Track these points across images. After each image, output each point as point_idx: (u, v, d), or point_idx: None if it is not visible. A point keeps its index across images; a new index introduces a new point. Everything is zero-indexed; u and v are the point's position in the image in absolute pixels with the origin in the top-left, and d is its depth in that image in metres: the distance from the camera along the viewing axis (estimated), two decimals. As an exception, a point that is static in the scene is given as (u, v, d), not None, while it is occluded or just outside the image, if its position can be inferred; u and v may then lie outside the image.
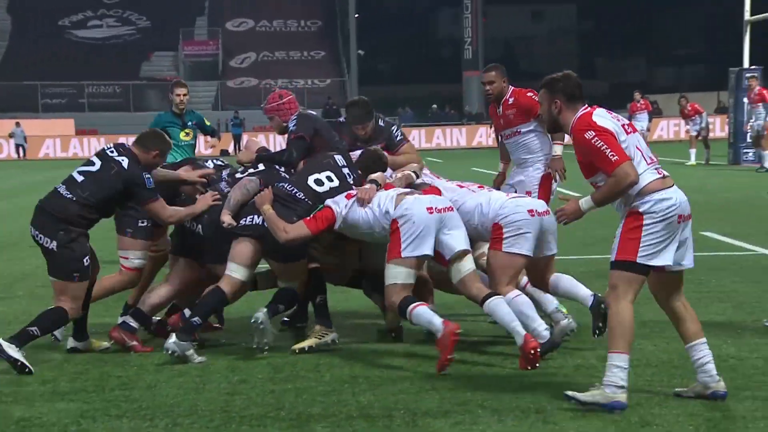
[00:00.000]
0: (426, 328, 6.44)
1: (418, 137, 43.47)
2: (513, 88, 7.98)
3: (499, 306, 6.19)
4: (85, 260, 6.44)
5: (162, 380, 6.06)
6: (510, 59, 64.99)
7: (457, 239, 6.36)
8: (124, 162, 6.54)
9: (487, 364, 6.29)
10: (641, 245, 5.18)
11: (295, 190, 6.75)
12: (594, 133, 5.25)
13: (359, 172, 6.87)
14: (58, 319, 6.50)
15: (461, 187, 6.91)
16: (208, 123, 10.70)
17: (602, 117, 5.35)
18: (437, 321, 6.10)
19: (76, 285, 6.44)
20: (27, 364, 6.25)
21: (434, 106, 49.66)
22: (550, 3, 68.27)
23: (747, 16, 24.67)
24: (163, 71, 56.63)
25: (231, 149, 43.70)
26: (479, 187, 6.94)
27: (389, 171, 7.02)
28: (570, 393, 5.28)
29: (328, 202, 6.66)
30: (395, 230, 6.31)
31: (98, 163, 6.57)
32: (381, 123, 7.49)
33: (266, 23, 62.13)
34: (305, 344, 6.73)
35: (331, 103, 48.87)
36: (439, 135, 45.10)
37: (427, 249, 6.29)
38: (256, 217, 6.65)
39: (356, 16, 54.14)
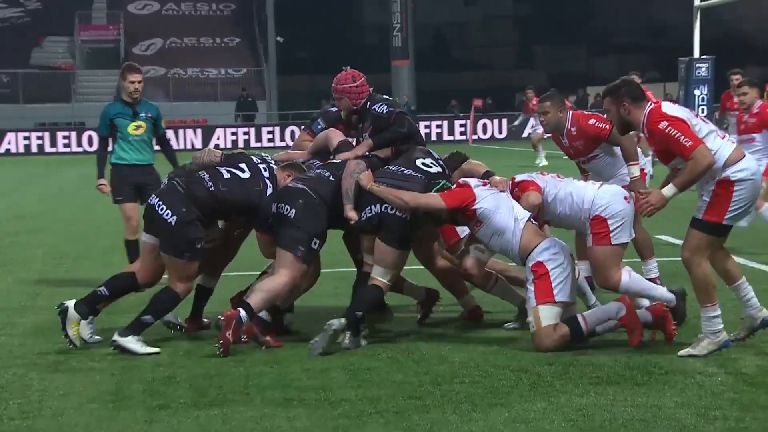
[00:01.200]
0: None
1: (342, 132, 43.35)
2: (572, 113, 8.55)
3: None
4: (198, 243, 7.10)
5: (70, 407, 5.90)
6: (442, 47, 65.42)
7: None
8: (269, 189, 7.31)
9: (435, 383, 6.26)
10: (730, 208, 6.42)
11: (403, 168, 7.39)
12: (667, 123, 6.37)
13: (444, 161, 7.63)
14: (169, 300, 7.21)
15: (543, 174, 7.67)
16: (162, 124, 10.23)
17: (671, 107, 6.49)
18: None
19: (184, 264, 7.10)
20: (151, 350, 7.05)
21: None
22: (483, -15, 68.82)
23: (697, 1, 25.10)
24: (56, 58, 55.52)
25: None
26: (557, 175, 7.69)
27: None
28: (683, 352, 6.58)
29: (466, 180, 7.32)
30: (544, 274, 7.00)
31: (248, 173, 7.32)
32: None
33: (173, 6, 61.34)
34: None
35: (245, 95, 48.52)
36: (367, 128, 45.20)
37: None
38: (374, 207, 7.22)
39: (274, -1, 53.87)
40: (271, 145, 41.85)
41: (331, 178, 7.44)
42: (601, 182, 7.74)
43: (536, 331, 6.96)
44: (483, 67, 62.14)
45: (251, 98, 48.77)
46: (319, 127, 8.28)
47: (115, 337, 7.13)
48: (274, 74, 52.44)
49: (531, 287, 7.05)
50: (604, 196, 7.29)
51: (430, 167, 7.45)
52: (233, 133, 44.15)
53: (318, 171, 7.56)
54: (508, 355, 6.90)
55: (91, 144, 40.49)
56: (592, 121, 8.44)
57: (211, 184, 7.23)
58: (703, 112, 23.55)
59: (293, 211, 7.26)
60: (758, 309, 6.86)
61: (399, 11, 50.68)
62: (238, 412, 5.73)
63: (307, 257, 7.29)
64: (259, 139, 43.84)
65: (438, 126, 44.50)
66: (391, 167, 7.50)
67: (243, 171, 7.37)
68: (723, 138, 6.56)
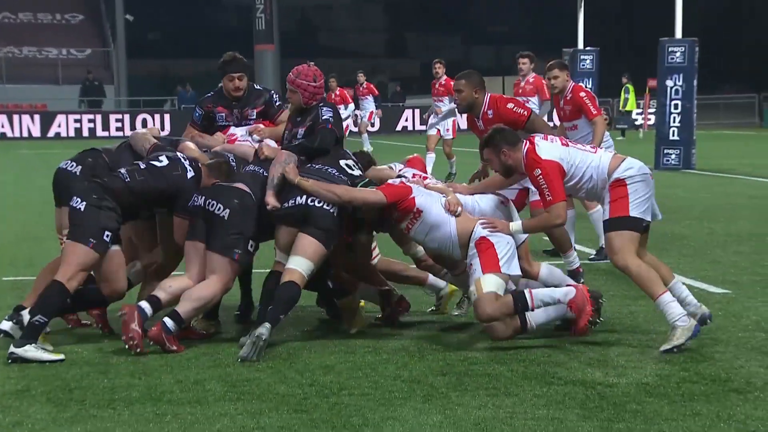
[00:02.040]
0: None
1: (200, 121, 42.81)
2: (490, 96, 8.73)
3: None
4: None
5: None
6: (308, 32, 65.35)
7: None
8: (189, 173, 7.56)
9: (322, 395, 6.24)
10: (631, 201, 7.15)
11: (328, 167, 7.58)
12: (540, 171, 7.23)
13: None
14: (56, 294, 7.08)
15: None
16: None
17: (547, 148, 7.33)
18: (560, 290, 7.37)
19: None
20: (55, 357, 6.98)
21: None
22: (354, -34, 69.07)
23: (582, -11, 25.70)
24: None
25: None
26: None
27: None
28: (664, 347, 7.00)
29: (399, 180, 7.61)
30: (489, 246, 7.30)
31: (166, 161, 7.50)
32: (257, 86, 8.27)
33: (7, -24, 59.62)
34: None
35: (90, 78, 47.46)
36: (227, 119, 44.77)
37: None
38: (298, 197, 7.32)
39: (123, -28, 52.75)
40: (120, 134, 41.01)
41: (264, 173, 7.56)
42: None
43: (477, 298, 7.18)
44: (353, 54, 62.29)
45: (97, 82, 47.73)
46: (197, 114, 8.52)
47: (12, 348, 6.94)
48: (124, 56, 51.40)
49: (476, 260, 7.29)
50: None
51: (353, 170, 7.73)
52: (77, 120, 43.20)
53: (252, 168, 7.71)
54: (399, 363, 6.93)
55: None
56: (510, 105, 8.69)
57: (127, 176, 7.35)
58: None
59: (227, 211, 7.31)
60: (697, 306, 7.42)
61: (263, -10, 50.29)
62: (103, 429, 5.61)
63: (244, 260, 7.36)
64: (106, 127, 42.99)
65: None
66: (315, 165, 7.64)
67: (160, 161, 7.50)
68: (595, 152, 7.47)
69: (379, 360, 7.05)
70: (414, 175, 7.94)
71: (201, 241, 7.38)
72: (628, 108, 39.60)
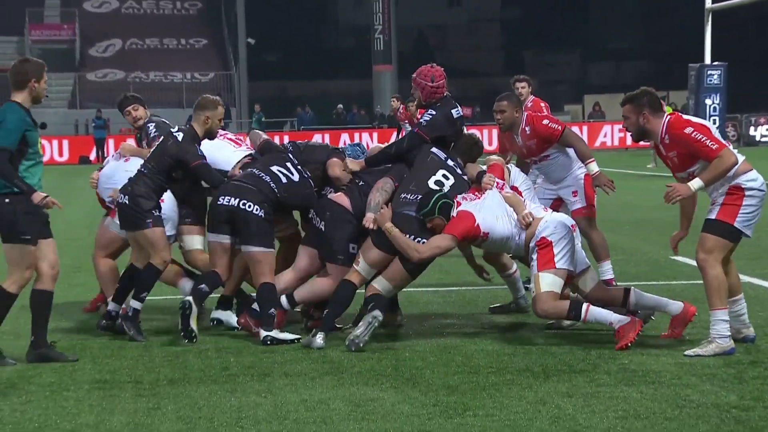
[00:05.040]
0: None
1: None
2: (527, 113, 9.35)
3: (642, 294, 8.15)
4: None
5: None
6: (425, 52, 65.53)
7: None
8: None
9: (446, 415, 6.20)
10: (740, 212, 7.39)
11: (419, 196, 8.16)
12: (693, 128, 7.45)
13: (459, 161, 8.49)
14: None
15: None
16: None
17: (692, 117, 7.66)
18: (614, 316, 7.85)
19: (270, 256, 8.29)
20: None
21: (340, 106, 49.47)
22: (469, -14, 69.04)
23: (708, 3, 25.20)
24: (5, 60, 55.27)
25: (93, 156, 42.90)
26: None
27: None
28: (690, 352, 7.38)
29: (463, 206, 8.12)
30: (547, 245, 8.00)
31: (296, 176, 8.53)
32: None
33: (134, 4, 61.24)
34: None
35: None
36: (346, 140, 45.02)
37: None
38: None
39: (245, -3, 53.73)
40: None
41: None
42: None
43: (536, 295, 7.97)
44: (469, 74, 62.25)
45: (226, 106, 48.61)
46: (153, 133, 9.53)
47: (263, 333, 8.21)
48: (245, 78, 52.27)
49: (534, 256, 8.05)
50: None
51: (442, 185, 8.29)
52: (200, 143, 43.91)
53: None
54: (523, 384, 6.83)
55: (44, 152, 40.22)
56: (545, 122, 9.29)
57: (273, 184, 8.47)
58: (715, 123, 23.63)
59: (323, 223, 8.38)
60: (746, 326, 7.84)
61: (381, 11, 50.61)
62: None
63: (348, 262, 8.32)
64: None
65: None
66: (407, 196, 8.26)
67: (293, 174, 8.59)
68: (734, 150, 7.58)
69: (503, 380, 6.97)
70: (499, 184, 8.40)
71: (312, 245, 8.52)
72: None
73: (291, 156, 8.67)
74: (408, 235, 7.98)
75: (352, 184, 8.47)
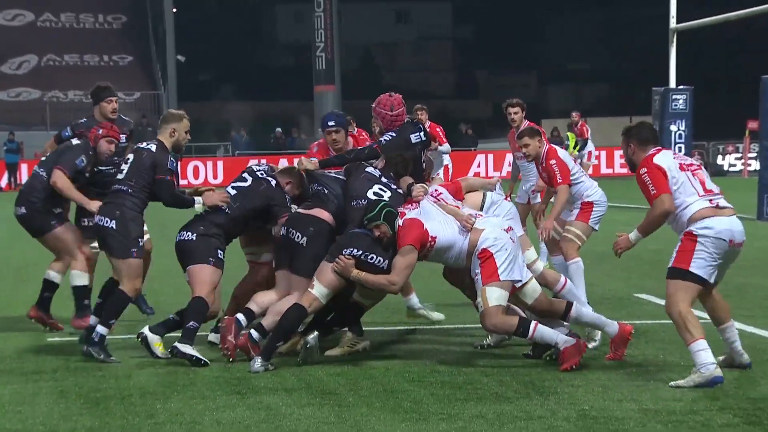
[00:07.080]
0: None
1: (256, 169, 42.93)
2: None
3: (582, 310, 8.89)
4: (219, 253, 9.19)
5: None
6: (372, 71, 65.79)
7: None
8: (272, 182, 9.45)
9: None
10: (694, 257, 7.97)
11: (362, 201, 9.01)
12: (645, 170, 8.12)
13: (392, 176, 9.27)
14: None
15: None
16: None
17: (665, 157, 8.25)
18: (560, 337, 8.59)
19: (207, 270, 9.08)
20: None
21: (278, 129, 49.35)
22: (419, 0, 69.52)
23: (673, 23, 25.45)
24: None
25: (4, 182, 42.40)
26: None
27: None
28: (673, 383, 7.87)
29: (408, 214, 8.83)
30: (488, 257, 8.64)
31: (248, 181, 9.36)
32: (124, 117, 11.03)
33: (51, 17, 60.96)
34: (337, 352, 9.15)
35: (145, 123, 47.96)
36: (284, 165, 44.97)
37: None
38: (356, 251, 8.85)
39: (174, 10, 53.64)
40: (183, 181, 41.31)
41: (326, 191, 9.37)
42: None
43: (484, 310, 8.62)
44: (419, 95, 62.57)
45: (150, 128, 48.20)
46: (67, 134, 10.69)
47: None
48: (175, 99, 52.02)
49: (478, 271, 8.70)
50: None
51: (381, 195, 9.10)
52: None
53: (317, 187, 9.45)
54: None
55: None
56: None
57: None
58: (680, 150, 23.79)
59: (304, 239, 9.03)
60: (740, 354, 8.44)
61: (323, 27, 50.75)
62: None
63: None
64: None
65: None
66: (360, 201, 9.08)
67: (245, 180, 9.45)
68: (701, 196, 8.14)
69: (453, 429, 6.96)
70: (437, 192, 9.16)
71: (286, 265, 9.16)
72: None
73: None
74: (365, 253, 8.70)
75: (322, 195, 9.32)
